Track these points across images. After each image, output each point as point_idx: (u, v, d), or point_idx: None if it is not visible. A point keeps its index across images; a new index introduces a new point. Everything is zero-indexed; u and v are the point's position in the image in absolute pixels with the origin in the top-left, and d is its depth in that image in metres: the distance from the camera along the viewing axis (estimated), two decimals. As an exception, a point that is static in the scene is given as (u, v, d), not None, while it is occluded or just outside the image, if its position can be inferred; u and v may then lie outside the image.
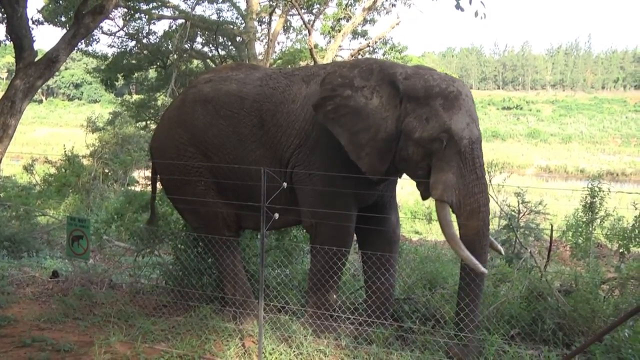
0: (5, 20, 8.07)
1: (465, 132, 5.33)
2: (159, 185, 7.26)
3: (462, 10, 7.51)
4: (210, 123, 6.25)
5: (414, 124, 5.46)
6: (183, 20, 20.20)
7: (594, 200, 9.88)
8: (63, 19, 17.29)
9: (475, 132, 5.42)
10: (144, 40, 21.09)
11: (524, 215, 7.63)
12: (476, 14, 7.55)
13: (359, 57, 19.35)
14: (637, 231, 8.73)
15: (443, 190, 5.36)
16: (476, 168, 5.38)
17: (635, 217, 8.89)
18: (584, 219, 10.06)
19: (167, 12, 20.88)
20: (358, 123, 5.63)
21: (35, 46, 7.98)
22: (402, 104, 5.58)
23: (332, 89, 5.72)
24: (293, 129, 5.96)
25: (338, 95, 5.68)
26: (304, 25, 19.52)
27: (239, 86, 6.29)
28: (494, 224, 7.90)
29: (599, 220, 9.91)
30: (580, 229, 10.10)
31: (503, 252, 6.15)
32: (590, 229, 9.94)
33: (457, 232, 5.40)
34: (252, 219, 6.33)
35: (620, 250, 9.16)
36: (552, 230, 7.14)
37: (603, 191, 9.88)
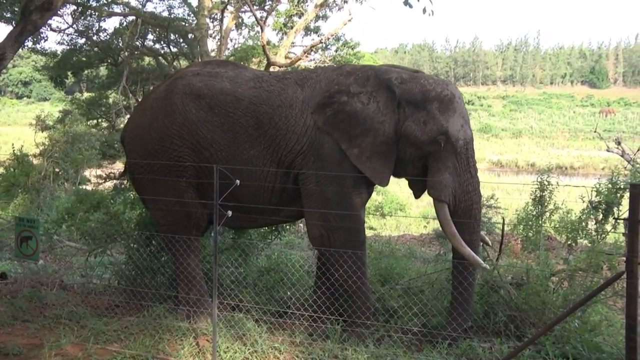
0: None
1: (460, 134, 5.69)
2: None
3: (410, 6, 7.60)
4: (204, 119, 6.16)
5: (413, 127, 5.76)
6: (134, 17, 19.91)
7: (544, 193, 10.07)
8: (8, 15, 16.90)
9: (468, 133, 5.80)
10: (94, 37, 20.69)
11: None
12: (424, 11, 7.66)
13: (312, 53, 19.41)
14: (584, 224, 8.94)
15: (441, 190, 5.69)
16: (470, 167, 5.80)
17: (582, 209, 9.09)
18: (534, 213, 10.25)
19: (117, 8, 20.54)
20: (356, 127, 5.82)
21: (-20, 43, 7.79)
22: (400, 108, 5.83)
23: (330, 96, 5.92)
24: (293, 134, 5.99)
25: (336, 101, 5.87)
26: (256, 22, 19.45)
27: (233, 86, 6.27)
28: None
29: (548, 214, 10.11)
30: (530, 222, 10.29)
31: (490, 242, 6.60)
32: (540, 222, 10.13)
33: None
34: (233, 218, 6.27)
35: (569, 243, 9.38)
36: (503, 224, 7.28)
37: (552, 185, 10.08)
